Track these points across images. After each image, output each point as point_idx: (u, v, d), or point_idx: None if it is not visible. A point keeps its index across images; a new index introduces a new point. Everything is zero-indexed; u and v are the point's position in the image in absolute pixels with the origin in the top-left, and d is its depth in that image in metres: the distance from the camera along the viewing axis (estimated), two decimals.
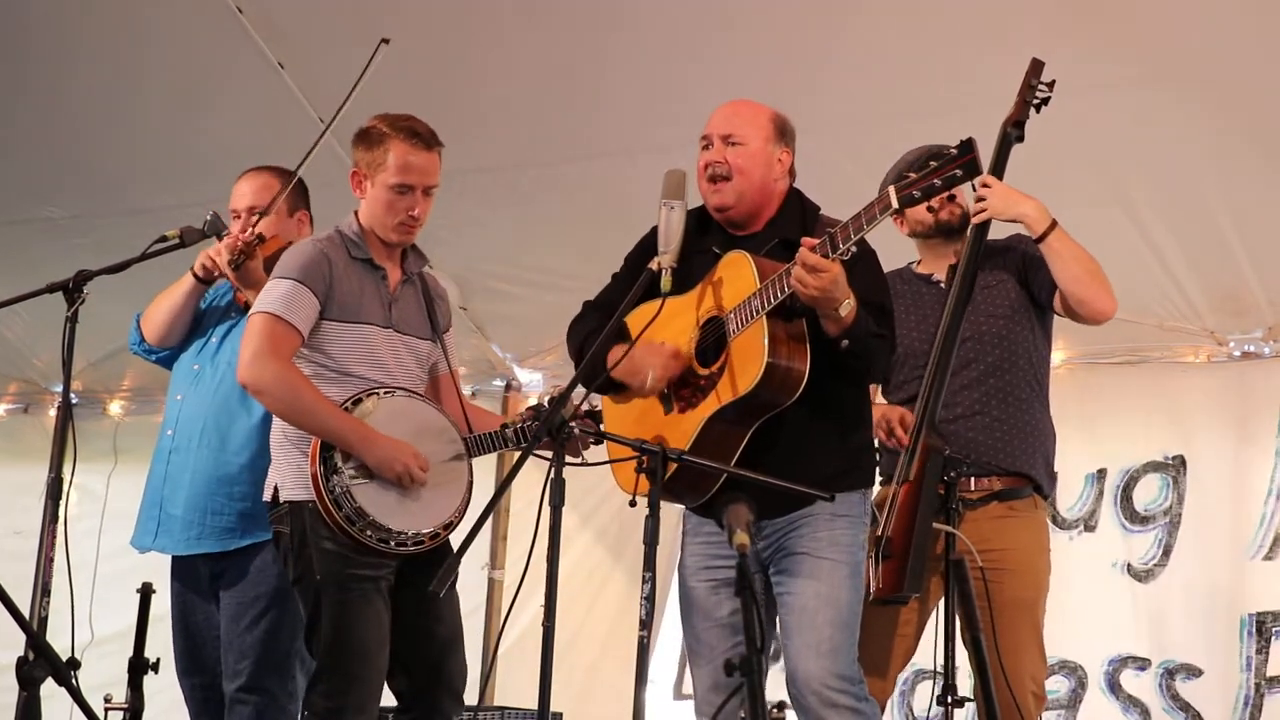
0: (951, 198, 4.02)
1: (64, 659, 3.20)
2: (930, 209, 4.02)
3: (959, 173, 3.22)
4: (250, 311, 3.78)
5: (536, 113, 5.57)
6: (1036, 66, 3.96)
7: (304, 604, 3.75)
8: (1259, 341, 5.57)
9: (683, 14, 5.20)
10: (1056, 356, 5.00)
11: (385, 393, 3.76)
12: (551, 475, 3.15)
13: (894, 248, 4.18)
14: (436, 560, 3.57)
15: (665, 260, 3.42)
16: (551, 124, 5.61)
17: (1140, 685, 5.51)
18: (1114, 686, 5.55)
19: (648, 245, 3.71)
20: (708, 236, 3.64)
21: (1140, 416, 5.73)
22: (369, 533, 3.64)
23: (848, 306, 3.34)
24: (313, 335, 3.74)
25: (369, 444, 3.65)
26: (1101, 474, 5.72)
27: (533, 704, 3.16)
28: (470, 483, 3.84)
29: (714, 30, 5.20)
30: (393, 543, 3.67)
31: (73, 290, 3.78)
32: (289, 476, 3.74)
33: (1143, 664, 5.52)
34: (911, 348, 4.03)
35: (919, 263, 4.22)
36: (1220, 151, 5.00)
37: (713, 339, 3.54)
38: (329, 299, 3.73)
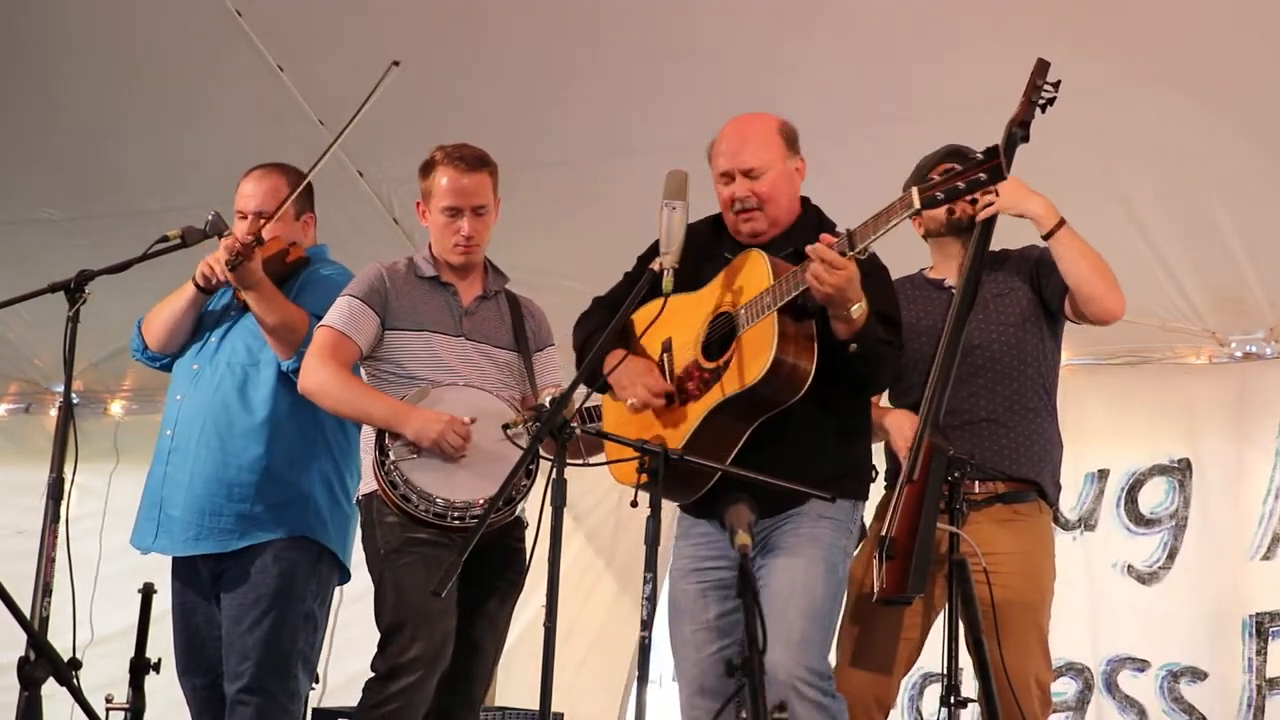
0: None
1: (65, 659, 3.20)
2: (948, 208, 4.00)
3: (983, 176, 3.19)
4: (316, 325, 4.01)
5: (533, 113, 5.56)
6: (1042, 66, 3.94)
7: (374, 581, 3.90)
8: (1260, 342, 5.57)
9: (682, 14, 5.20)
10: None
11: (449, 384, 3.94)
12: (553, 476, 3.14)
13: (902, 254, 4.18)
14: (505, 564, 3.88)
15: (666, 261, 3.39)
16: (548, 125, 5.60)
17: (1138, 686, 5.50)
18: (1110, 686, 5.55)
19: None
20: (721, 243, 3.64)
21: (1143, 418, 5.72)
22: (421, 506, 3.79)
23: (859, 309, 3.33)
24: (380, 345, 4.01)
25: (405, 417, 3.84)
26: (1103, 474, 5.71)
27: (533, 704, 3.16)
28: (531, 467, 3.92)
29: (711, 31, 5.20)
30: (449, 517, 3.79)
31: (74, 290, 3.79)
32: (365, 474, 3.95)
33: (1141, 665, 5.51)
34: (921, 353, 3.99)
35: (930, 268, 4.21)
36: (1220, 152, 4.99)
37: (720, 334, 3.53)
38: (387, 311, 4.00)
